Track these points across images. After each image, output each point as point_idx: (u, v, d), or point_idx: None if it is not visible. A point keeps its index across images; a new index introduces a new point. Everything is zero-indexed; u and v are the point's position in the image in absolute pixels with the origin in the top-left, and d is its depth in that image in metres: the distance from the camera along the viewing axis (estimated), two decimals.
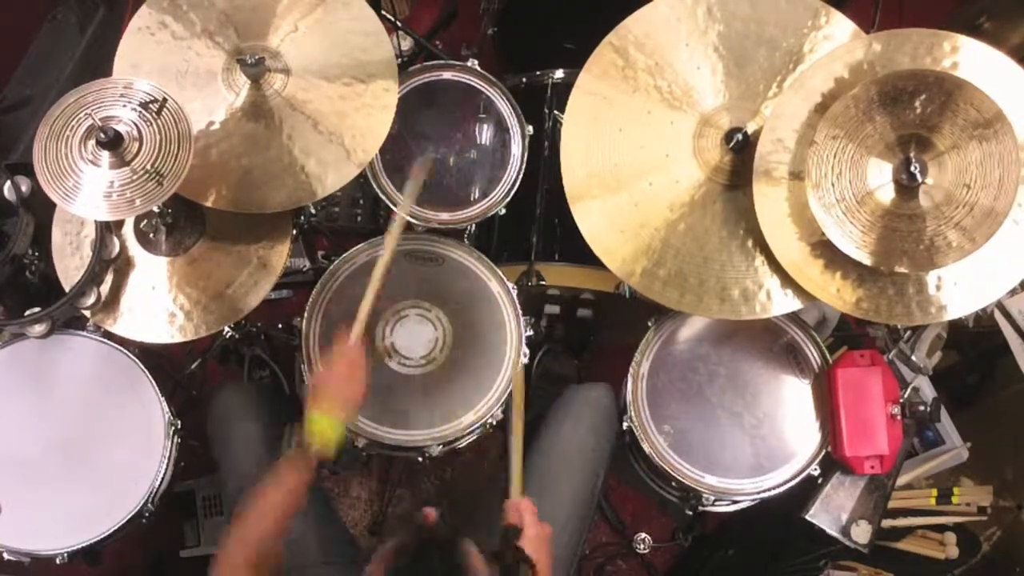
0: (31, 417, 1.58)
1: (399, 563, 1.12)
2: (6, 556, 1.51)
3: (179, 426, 1.62)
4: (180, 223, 1.57)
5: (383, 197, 1.71)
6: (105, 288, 1.54)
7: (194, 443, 1.75)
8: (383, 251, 1.47)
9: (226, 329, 1.72)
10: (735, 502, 1.74)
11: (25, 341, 1.57)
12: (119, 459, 1.57)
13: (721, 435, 1.64)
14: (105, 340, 1.60)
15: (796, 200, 1.39)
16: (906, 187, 1.31)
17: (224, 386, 1.71)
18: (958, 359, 2.03)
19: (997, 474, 1.97)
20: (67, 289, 1.50)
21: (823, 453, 1.61)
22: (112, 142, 1.27)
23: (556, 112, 1.89)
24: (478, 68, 1.78)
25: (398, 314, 1.68)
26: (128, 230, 1.58)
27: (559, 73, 1.94)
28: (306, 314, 1.65)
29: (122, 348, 1.60)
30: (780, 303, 1.45)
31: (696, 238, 1.47)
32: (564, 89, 1.71)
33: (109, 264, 1.53)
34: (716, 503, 1.75)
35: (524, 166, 1.75)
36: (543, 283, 1.84)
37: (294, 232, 1.62)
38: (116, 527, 1.53)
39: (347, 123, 1.50)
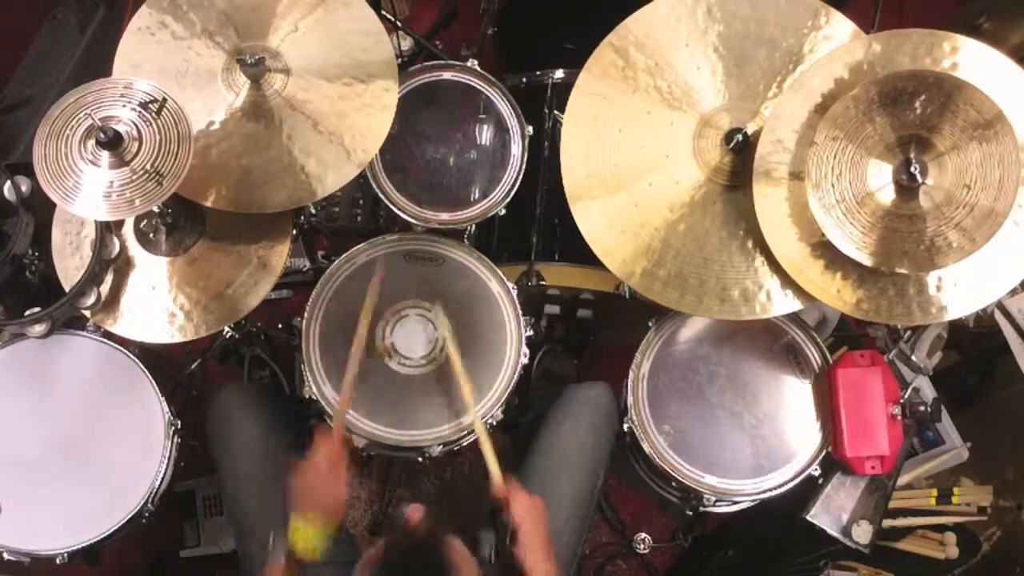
0: (31, 417, 1.58)
1: (384, 563, 1.14)
2: (6, 556, 1.51)
3: (179, 426, 1.62)
4: (180, 223, 1.57)
5: (383, 198, 1.71)
6: (105, 288, 1.54)
7: (194, 443, 1.75)
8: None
9: (226, 329, 1.72)
10: (735, 502, 1.74)
11: (25, 341, 1.57)
12: (119, 459, 1.57)
13: (721, 435, 1.64)
14: (105, 340, 1.60)
15: (796, 201, 1.39)
16: (906, 188, 1.31)
17: (224, 386, 1.71)
18: (958, 359, 2.03)
19: (997, 474, 1.97)
20: (67, 289, 1.50)
21: (823, 453, 1.61)
22: (112, 142, 1.27)
23: (556, 112, 1.89)
24: (478, 68, 1.78)
25: (398, 314, 1.68)
26: (128, 230, 1.58)
27: (559, 73, 1.94)
28: (306, 314, 1.65)
29: (122, 348, 1.60)
30: (780, 303, 1.45)
31: (696, 238, 1.47)
32: (564, 89, 1.71)
33: (109, 264, 1.53)
34: (716, 503, 1.75)
35: (524, 166, 1.75)
36: (543, 283, 1.84)
37: (294, 232, 1.62)
38: (116, 527, 1.53)
39: (347, 123, 1.50)
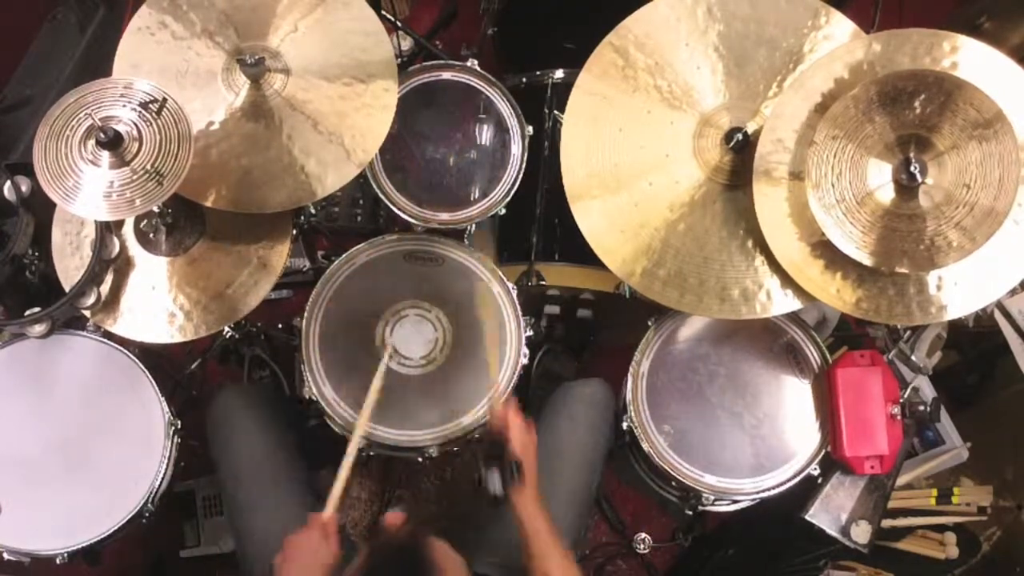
0: (31, 417, 1.58)
1: (368, 570, 1.15)
2: (6, 556, 1.51)
3: (179, 426, 1.62)
4: (180, 223, 1.57)
5: (383, 198, 1.71)
6: (105, 288, 1.54)
7: (194, 443, 1.75)
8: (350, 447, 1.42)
9: (226, 329, 1.73)
10: (735, 502, 1.74)
11: (25, 341, 1.57)
12: (119, 459, 1.57)
13: (721, 435, 1.64)
14: (105, 340, 1.60)
15: (796, 200, 1.39)
16: (906, 187, 1.31)
17: (224, 386, 1.71)
18: (958, 359, 2.03)
19: (997, 474, 1.97)
20: (67, 289, 1.50)
21: (823, 453, 1.61)
22: (112, 142, 1.27)
23: (556, 112, 1.89)
24: (478, 68, 1.78)
25: (398, 314, 1.68)
26: (128, 230, 1.58)
27: (559, 73, 1.94)
28: (306, 314, 1.65)
29: (122, 348, 1.60)
30: (780, 303, 1.45)
31: (696, 238, 1.47)
32: (564, 89, 1.71)
33: (109, 264, 1.53)
34: (716, 503, 1.75)
35: (524, 166, 1.75)
36: (543, 283, 1.84)
37: (294, 232, 1.62)
38: (116, 527, 1.53)
39: (347, 123, 1.50)
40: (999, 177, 1.28)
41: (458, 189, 1.76)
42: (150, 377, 1.60)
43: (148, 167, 1.29)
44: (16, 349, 1.59)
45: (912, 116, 1.32)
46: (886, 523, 1.74)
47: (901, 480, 1.81)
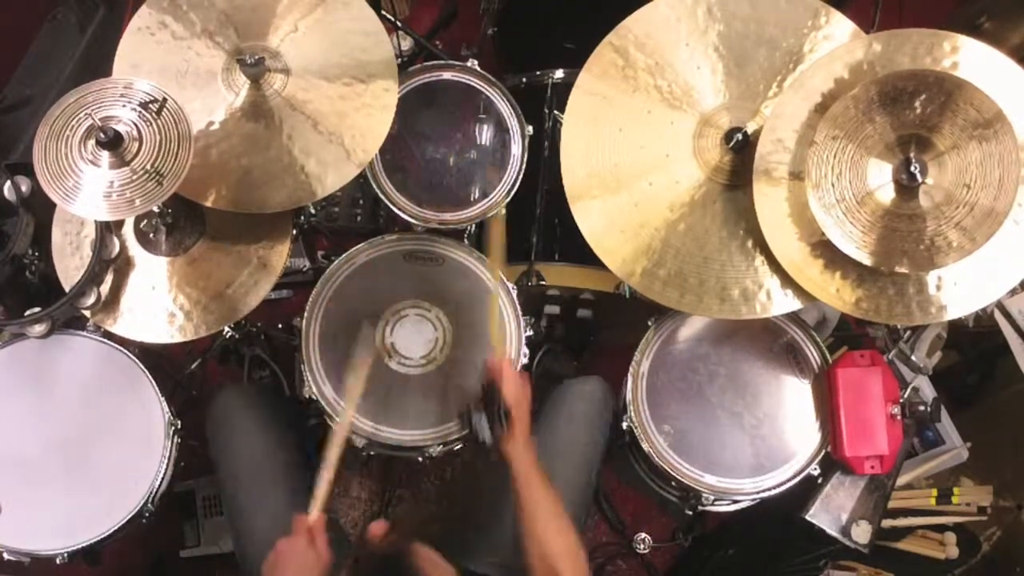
0: (31, 417, 1.58)
1: None
2: (6, 556, 1.51)
3: (179, 426, 1.62)
4: (180, 223, 1.57)
5: (383, 198, 1.71)
6: (105, 288, 1.54)
7: (194, 443, 1.75)
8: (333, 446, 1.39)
9: (226, 329, 1.73)
10: (735, 502, 1.74)
11: (25, 341, 1.57)
12: (119, 459, 1.57)
13: (721, 435, 1.64)
14: (105, 340, 1.60)
15: (796, 200, 1.39)
16: (906, 187, 1.31)
17: (224, 386, 1.71)
18: (958, 359, 2.03)
19: (997, 474, 1.97)
20: (67, 289, 1.50)
21: (823, 453, 1.61)
22: (112, 142, 1.27)
23: (556, 112, 1.89)
24: (478, 68, 1.78)
25: (398, 314, 1.68)
26: (128, 230, 1.58)
27: (559, 73, 1.93)
28: (306, 314, 1.65)
29: (122, 348, 1.60)
30: (780, 303, 1.45)
31: (696, 238, 1.47)
32: (564, 89, 1.71)
33: (109, 264, 1.53)
34: (716, 503, 1.75)
35: (524, 166, 1.75)
36: (543, 283, 1.84)
37: (294, 232, 1.62)
38: (116, 527, 1.53)
39: (347, 123, 1.50)
40: (999, 177, 1.28)
41: (458, 189, 1.76)
42: (150, 377, 1.60)
43: (148, 167, 1.29)
44: (16, 349, 1.59)
45: (912, 116, 1.32)
46: (886, 523, 1.74)
47: (901, 480, 1.81)
